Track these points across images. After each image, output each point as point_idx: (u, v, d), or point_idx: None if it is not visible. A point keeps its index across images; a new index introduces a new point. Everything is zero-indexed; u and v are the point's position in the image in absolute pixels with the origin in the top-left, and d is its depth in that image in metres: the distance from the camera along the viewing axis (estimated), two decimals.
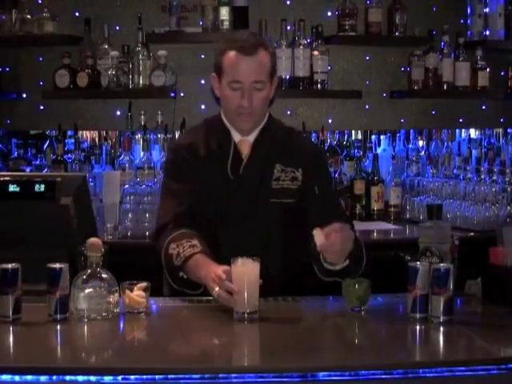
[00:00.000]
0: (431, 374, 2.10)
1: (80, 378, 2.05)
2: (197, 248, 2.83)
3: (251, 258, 2.58)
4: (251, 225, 2.96)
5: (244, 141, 3.07)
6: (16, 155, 4.96)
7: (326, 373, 2.08)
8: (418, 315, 2.51)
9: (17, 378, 2.06)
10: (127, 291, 2.62)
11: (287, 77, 4.72)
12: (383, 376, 2.08)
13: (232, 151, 3.06)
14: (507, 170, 4.69)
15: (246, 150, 3.07)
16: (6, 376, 2.06)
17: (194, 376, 2.05)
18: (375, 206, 4.86)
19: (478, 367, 2.13)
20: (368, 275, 2.71)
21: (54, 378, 2.06)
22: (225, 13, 4.66)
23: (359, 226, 3.17)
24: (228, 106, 3.03)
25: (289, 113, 4.95)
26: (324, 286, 2.91)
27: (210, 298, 2.75)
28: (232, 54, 2.94)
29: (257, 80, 2.94)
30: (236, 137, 3.07)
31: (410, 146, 5.14)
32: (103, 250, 2.60)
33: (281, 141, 3.11)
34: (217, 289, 2.62)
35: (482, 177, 4.68)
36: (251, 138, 3.08)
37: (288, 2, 4.93)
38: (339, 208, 3.24)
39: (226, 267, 2.63)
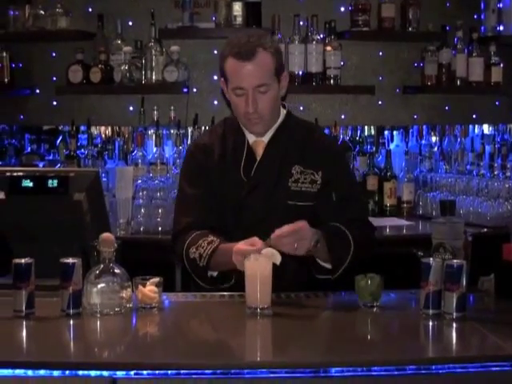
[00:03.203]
0: (444, 371, 2.09)
1: (93, 372, 2.06)
2: (215, 242, 2.84)
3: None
4: (267, 227, 2.81)
5: (259, 142, 3.04)
6: (29, 150, 4.97)
7: (338, 368, 2.07)
8: (430, 311, 2.50)
9: (30, 372, 2.06)
10: (140, 286, 2.63)
11: (300, 72, 4.72)
12: (395, 372, 2.08)
13: (245, 152, 3.03)
14: None
15: (260, 151, 3.03)
16: (19, 370, 2.07)
17: (207, 371, 2.05)
18: (388, 201, 4.85)
19: (491, 364, 2.12)
20: (381, 271, 2.70)
21: (67, 372, 2.07)
22: (238, 8, 4.65)
23: (372, 221, 3.16)
24: (236, 111, 2.99)
25: (301, 108, 4.94)
26: (338, 285, 2.91)
27: (224, 293, 2.76)
28: (231, 60, 2.88)
29: (259, 84, 2.87)
30: (250, 138, 3.04)
31: (423, 141, 5.12)
32: (116, 245, 2.60)
33: (300, 140, 3.05)
34: (238, 245, 2.69)
35: (496, 173, 4.67)
36: (266, 138, 3.04)
37: None
38: (359, 213, 3.11)
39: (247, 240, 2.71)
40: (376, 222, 4.43)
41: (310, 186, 3.00)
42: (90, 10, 4.88)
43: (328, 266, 2.90)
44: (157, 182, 4.40)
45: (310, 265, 2.92)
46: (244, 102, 2.90)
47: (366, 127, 5.16)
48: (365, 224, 3.10)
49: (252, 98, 2.88)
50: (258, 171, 3.02)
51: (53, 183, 2.84)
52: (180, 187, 3.13)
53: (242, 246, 2.70)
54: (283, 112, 3.09)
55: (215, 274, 2.89)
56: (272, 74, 2.90)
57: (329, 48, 4.73)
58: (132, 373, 2.05)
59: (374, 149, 5.06)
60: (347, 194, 3.05)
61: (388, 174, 4.88)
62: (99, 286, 2.55)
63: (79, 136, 4.90)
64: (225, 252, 2.79)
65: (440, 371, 2.09)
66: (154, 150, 4.60)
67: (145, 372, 2.06)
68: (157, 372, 2.06)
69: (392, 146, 5.12)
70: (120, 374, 2.05)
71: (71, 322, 2.51)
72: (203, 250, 2.84)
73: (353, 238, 2.90)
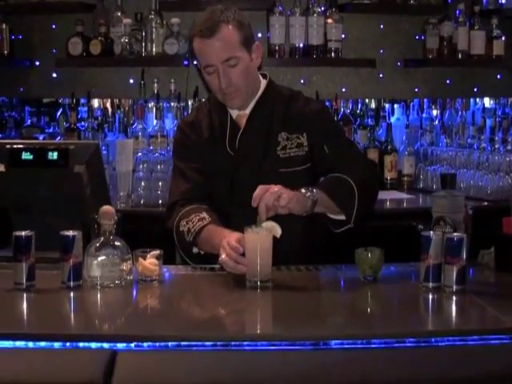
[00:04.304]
0: (443, 343, 2.09)
1: (93, 344, 2.06)
2: (206, 220, 2.84)
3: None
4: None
5: (242, 115, 3.05)
6: (29, 123, 4.95)
7: (338, 341, 2.08)
8: (430, 284, 2.50)
9: (31, 344, 2.07)
10: (140, 259, 2.63)
11: (301, 45, 4.69)
12: (395, 345, 2.08)
13: (229, 127, 3.04)
14: None
15: (243, 124, 3.04)
16: (20, 342, 2.07)
17: (207, 343, 2.06)
18: (388, 175, 4.85)
19: (491, 336, 2.12)
20: (381, 244, 2.70)
21: (68, 344, 2.07)
22: None
23: None
24: (212, 89, 3.01)
25: (302, 81, 4.92)
26: (338, 258, 2.91)
27: None
28: (196, 40, 2.89)
29: (227, 58, 2.86)
30: (233, 112, 3.05)
31: (424, 115, 5.11)
32: (116, 217, 2.60)
33: (283, 107, 3.05)
34: (223, 256, 2.62)
35: (496, 146, 4.66)
36: (248, 110, 3.04)
37: None
38: (355, 157, 3.09)
39: (239, 235, 2.64)
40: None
41: (298, 149, 3.01)
42: None
43: (341, 217, 2.88)
44: (157, 154, 4.39)
45: (325, 223, 2.92)
46: (216, 78, 2.91)
47: (366, 100, 5.14)
48: (364, 163, 3.10)
49: (223, 72, 2.88)
50: (242, 143, 3.02)
51: (53, 156, 2.84)
52: (173, 163, 3.16)
53: (231, 241, 2.64)
54: (264, 82, 3.08)
55: (202, 252, 2.89)
56: (239, 47, 2.89)
57: (330, 21, 4.70)
58: (132, 345, 2.06)
59: (375, 122, 5.05)
60: (338, 142, 3.05)
61: (389, 147, 4.87)
62: (99, 258, 2.56)
63: (79, 109, 4.89)
64: (212, 235, 2.79)
65: (439, 344, 2.10)
66: (155, 122, 4.59)
67: (145, 344, 2.06)
68: (157, 344, 2.06)
69: (393, 120, 5.10)
70: (120, 346, 2.05)
71: (72, 294, 2.51)
72: (192, 225, 2.84)
73: (353, 180, 2.87)
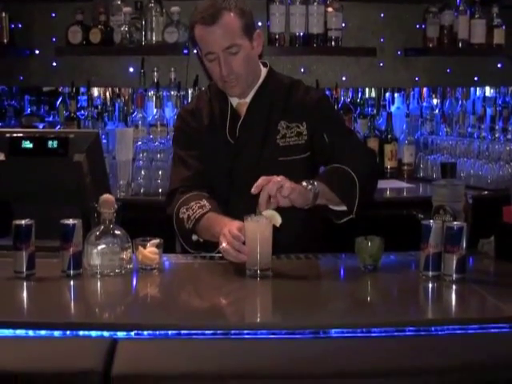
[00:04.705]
0: (443, 332, 2.10)
1: (93, 333, 2.06)
2: (206, 208, 2.84)
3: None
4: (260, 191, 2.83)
5: (242, 103, 3.05)
6: (29, 112, 4.95)
7: (338, 330, 2.08)
8: (430, 273, 2.51)
9: (31, 332, 2.07)
10: (140, 247, 2.63)
11: (301, 34, 4.68)
12: (395, 333, 2.08)
13: (229, 115, 3.04)
14: None
15: (244, 113, 3.04)
16: (20, 331, 2.07)
17: (207, 332, 2.06)
18: (388, 164, 4.85)
19: (490, 325, 2.12)
20: (381, 233, 2.70)
21: (68, 332, 2.07)
22: None
23: None
24: (213, 77, 3.00)
25: (302, 70, 4.91)
26: (338, 247, 2.91)
27: None
28: (198, 27, 2.89)
29: (228, 45, 2.86)
30: (234, 100, 3.05)
31: (424, 104, 5.11)
32: (116, 206, 2.60)
33: (283, 96, 3.05)
34: (224, 244, 2.62)
35: (497, 135, 4.65)
36: (248, 98, 3.04)
37: None
38: (355, 146, 3.07)
39: (239, 223, 2.63)
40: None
41: (297, 138, 3.00)
42: None
43: (343, 208, 2.87)
44: (157, 143, 4.39)
45: (327, 214, 2.91)
46: (217, 66, 2.90)
47: (367, 89, 5.14)
48: (364, 152, 3.09)
49: (224, 60, 2.88)
50: (242, 131, 3.02)
51: (53, 144, 2.84)
52: (173, 151, 3.16)
53: (233, 229, 2.64)
54: (264, 70, 3.08)
55: (201, 239, 2.89)
56: (241, 34, 2.89)
57: (330, 9, 4.68)
58: (132, 333, 2.06)
59: (375, 111, 5.05)
60: (338, 132, 3.04)
61: (389, 136, 4.87)
62: (99, 247, 2.56)
63: (79, 97, 4.88)
64: (212, 223, 2.78)
65: (439, 332, 2.10)
66: (155, 111, 4.58)
67: (145, 332, 2.07)
68: (157, 332, 2.07)
69: (393, 109, 5.10)
70: (121, 334, 2.05)
71: (72, 282, 2.51)
72: (192, 212, 2.84)
73: (354, 171, 2.85)
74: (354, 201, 2.86)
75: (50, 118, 4.92)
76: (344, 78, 5.00)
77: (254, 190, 2.61)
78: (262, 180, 2.62)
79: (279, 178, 2.63)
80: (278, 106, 3.03)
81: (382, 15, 4.99)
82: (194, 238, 2.90)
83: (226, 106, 3.05)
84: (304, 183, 2.71)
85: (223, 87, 3.00)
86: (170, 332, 2.06)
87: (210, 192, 2.96)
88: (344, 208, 2.87)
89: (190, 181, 2.99)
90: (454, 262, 2.46)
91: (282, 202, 2.64)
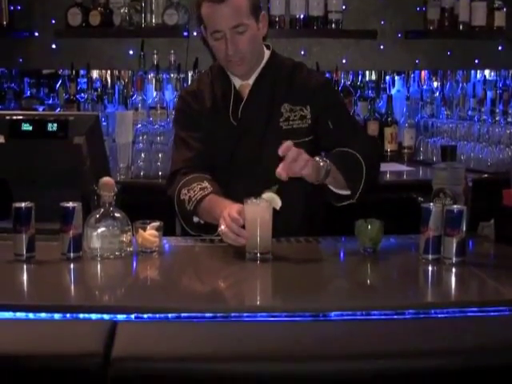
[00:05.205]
0: (443, 315, 2.10)
1: (93, 315, 2.06)
2: (207, 190, 2.83)
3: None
4: (263, 170, 2.84)
5: (245, 85, 3.04)
6: (29, 94, 4.94)
7: (337, 312, 2.08)
8: (430, 256, 2.51)
9: (31, 315, 2.07)
10: (140, 230, 2.63)
11: (301, 16, 4.67)
12: (395, 316, 2.08)
13: (233, 97, 3.03)
14: None
15: (247, 94, 3.03)
16: (20, 313, 2.07)
17: (207, 315, 2.06)
18: (389, 147, 4.84)
19: (490, 308, 2.12)
20: (381, 216, 2.70)
21: (68, 315, 2.07)
22: None
23: None
24: (217, 56, 2.99)
25: (302, 53, 4.90)
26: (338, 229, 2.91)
27: None
28: (205, 5, 2.88)
29: (236, 24, 2.86)
30: (236, 82, 3.05)
31: (425, 86, 5.09)
32: (116, 189, 2.60)
33: (286, 78, 3.04)
34: (223, 227, 2.62)
35: (497, 118, 4.64)
36: (251, 80, 3.04)
37: None
38: (359, 132, 3.09)
39: (239, 206, 2.63)
40: None
41: (301, 121, 3.00)
42: None
43: (345, 192, 2.87)
44: (157, 126, 4.39)
45: (327, 196, 2.91)
46: (223, 44, 2.89)
47: (367, 72, 5.13)
48: (367, 139, 3.11)
49: (230, 39, 2.88)
50: (245, 113, 3.02)
51: (52, 127, 2.83)
52: (175, 132, 3.16)
53: (232, 212, 2.63)
54: (267, 53, 3.08)
55: (202, 221, 2.89)
56: (248, 14, 2.89)
57: None
58: (133, 316, 2.06)
59: (375, 94, 5.04)
60: (342, 118, 3.05)
61: (389, 119, 4.87)
62: (99, 230, 2.56)
63: (79, 80, 4.87)
64: (213, 205, 2.78)
65: (439, 315, 2.10)
66: (154, 94, 4.58)
67: (145, 315, 2.07)
68: (157, 315, 2.07)
69: (393, 91, 5.09)
70: (121, 317, 2.05)
71: (72, 265, 2.52)
72: (193, 193, 2.84)
73: (363, 157, 2.86)
74: (358, 185, 2.86)
75: (50, 101, 4.91)
76: (344, 61, 4.98)
77: (281, 152, 2.57)
78: (288, 144, 2.59)
79: (304, 155, 2.61)
80: (281, 89, 3.03)
81: None
82: (195, 219, 2.90)
83: (229, 88, 3.04)
84: (317, 158, 2.70)
85: (227, 67, 2.99)
86: (169, 315, 2.06)
87: (212, 174, 2.95)
88: (346, 192, 2.87)
89: (191, 162, 2.98)
90: (454, 245, 2.46)
91: (296, 173, 2.61)
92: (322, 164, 2.69)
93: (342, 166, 2.81)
